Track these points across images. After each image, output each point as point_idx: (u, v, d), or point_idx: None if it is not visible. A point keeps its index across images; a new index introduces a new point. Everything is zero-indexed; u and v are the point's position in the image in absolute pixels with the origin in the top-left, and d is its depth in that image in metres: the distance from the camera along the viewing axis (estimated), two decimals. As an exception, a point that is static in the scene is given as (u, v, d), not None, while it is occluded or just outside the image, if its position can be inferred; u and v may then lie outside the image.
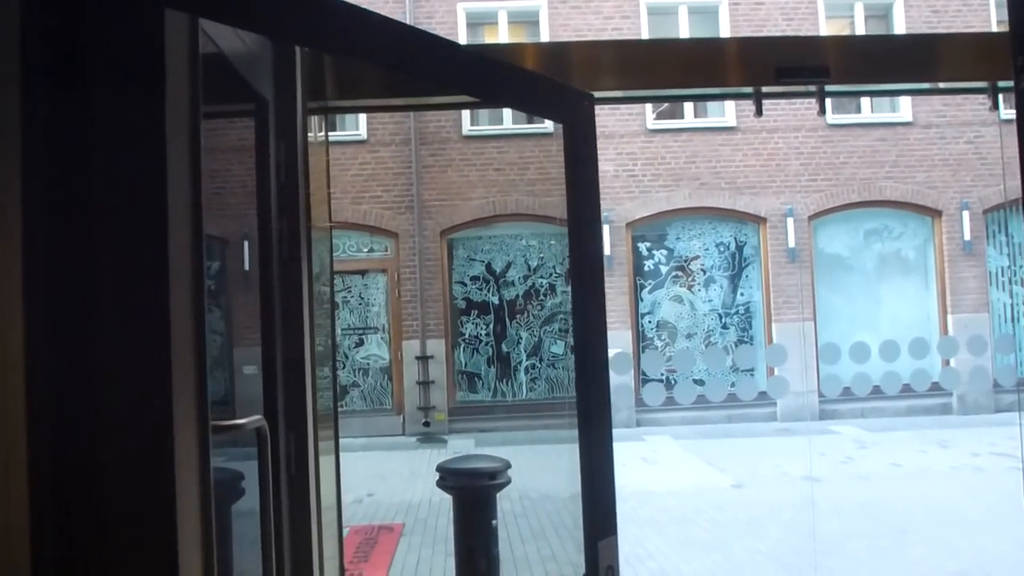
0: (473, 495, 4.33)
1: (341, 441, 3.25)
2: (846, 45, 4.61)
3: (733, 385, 10.67)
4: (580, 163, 2.57)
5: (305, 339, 2.56)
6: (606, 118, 13.03)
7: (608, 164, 13.17)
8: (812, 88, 3.73)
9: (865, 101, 13.83)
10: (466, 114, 13.41)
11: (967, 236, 13.52)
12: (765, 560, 6.23)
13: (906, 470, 9.47)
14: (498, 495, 4.46)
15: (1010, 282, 13.79)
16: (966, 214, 13.51)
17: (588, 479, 2.50)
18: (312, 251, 2.78)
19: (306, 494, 2.65)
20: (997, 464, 9.53)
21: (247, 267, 2.74)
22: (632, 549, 6.55)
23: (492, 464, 4.41)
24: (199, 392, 1.64)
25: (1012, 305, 13.76)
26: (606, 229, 13.05)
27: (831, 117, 13.55)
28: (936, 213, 13.65)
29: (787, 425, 12.21)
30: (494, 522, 4.37)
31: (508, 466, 4.41)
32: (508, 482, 4.42)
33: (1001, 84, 3.96)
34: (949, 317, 13.44)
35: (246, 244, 2.71)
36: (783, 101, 13.20)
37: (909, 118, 13.67)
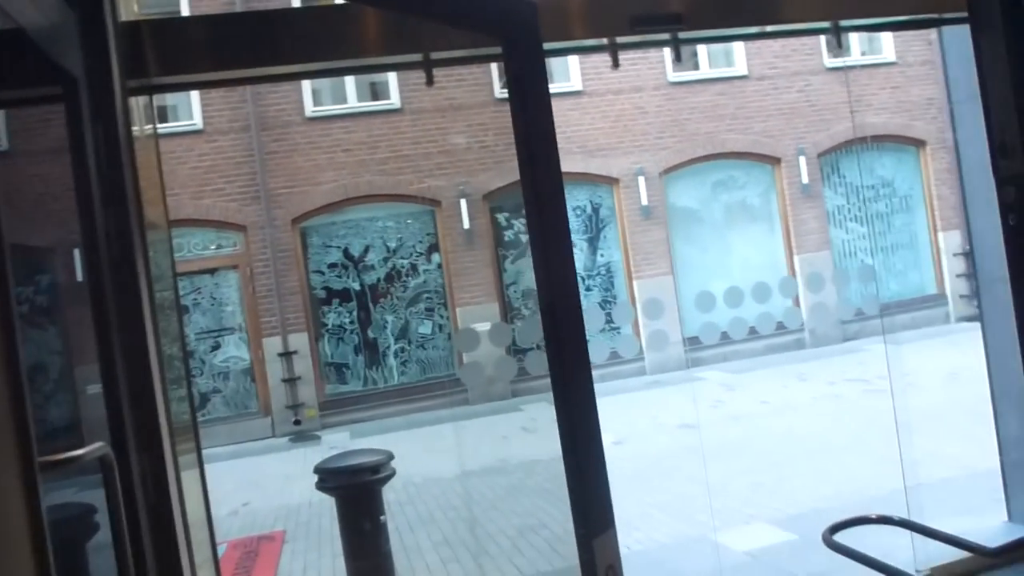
0: (357, 493, 4.09)
1: (206, 452, 2.98)
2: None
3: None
4: (527, 87, 2.28)
5: (149, 350, 2.25)
6: (453, 89, 12.82)
7: (459, 136, 12.98)
8: (666, 36, 3.65)
9: (703, 57, 14.21)
10: (308, 94, 12.87)
11: (805, 180, 14.18)
12: (655, 511, 6.29)
13: (772, 406, 9.87)
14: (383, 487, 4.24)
15: (845, 219, 14.59)
16: (802, 159, 14.16)
17: (574, 467, 2.22)
18: (148, 253, 2.46)
19: (169, 518, 2.36)
20: (852, 390, 10.08)
21: (80, 277, 2.41)
22: (524, 521, 6.49)
23: (374, 458, 4.18)
24: (19, 426, 1.35)
25: (849, 241, 14.59)
26: (463, 203, 12.90)
27: (672, 75, 13.85)
28: (776, 160, 14.23)
29: (657, 377, 12.51)
30: (382, 517, 4.15)
31: (391, 457, 4.19)
32: (392, 474, 4.20)
33: (843, 23, 4.02)
34: (795, 258, 14.10)
35: (77, 252, 2.37)
36: (627, 60, 13.39)
37: (745, 71, 14.16)
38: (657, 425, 9.50)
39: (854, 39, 14.24)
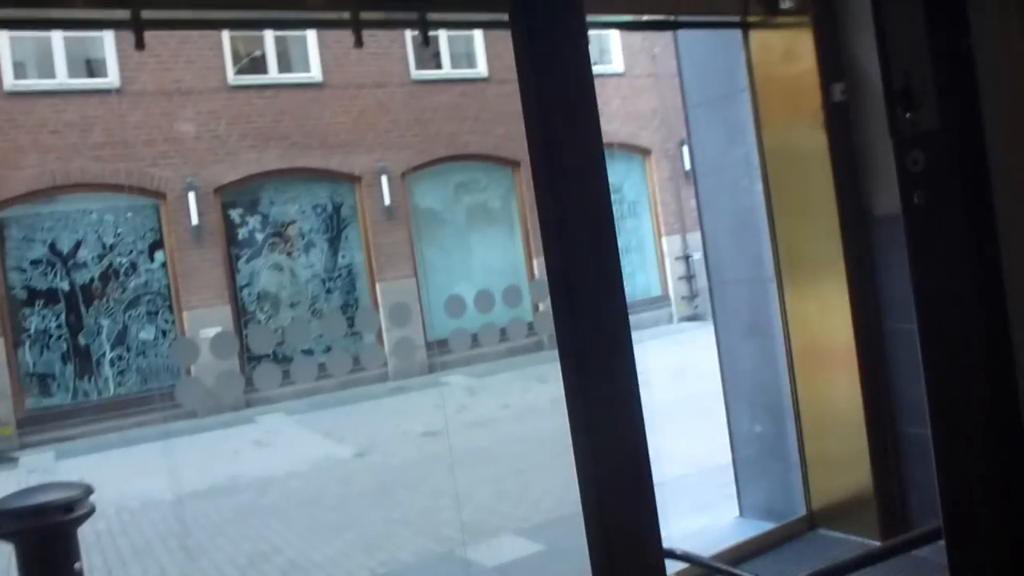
0: (44, 538, 3.38)
1: None
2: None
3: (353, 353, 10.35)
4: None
5: None
6: (181, 72, 11.74)
7: (188, 124, 11.91)
8: (414, 16, 3.34)
9: (445, 58, 14.16)
10: (7, 65, 11.21)
11: (542, 185, 14.56)
12: (401, 528, 5.98)
13: (515, 409, 9.93)
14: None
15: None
16: (540, 164, 14.53)
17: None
18: None
19: None
20: (589, 391, 10.38)
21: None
22: (256, 547, 5.91)
23: (67, 493, 3.47)
24: None
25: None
26: (191, 196, 11.86)
27: (415, 73, 13.65)
28: (515, 164, 14.49)
29: (400, 383, 12.22)
30: (77, 565, 3.46)
31: (88, 492, 3.51)
32: (91, 511, 3.52)
33: (591, 18, 3.93)
34: (534, 260, 14.45)
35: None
36: (370, 55, 13.00)
37: (486, 73, 14.28)
38: (401, 434, 9.20)
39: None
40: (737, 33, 3.98)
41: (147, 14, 2.92)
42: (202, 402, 9.92)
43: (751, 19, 3.87)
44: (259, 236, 12.68)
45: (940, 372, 1.62)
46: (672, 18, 4.08)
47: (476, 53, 14.37)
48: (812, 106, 3.68)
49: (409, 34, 12.25)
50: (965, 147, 1.56)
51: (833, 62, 3.61)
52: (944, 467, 1.62)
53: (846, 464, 4.01)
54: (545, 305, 9.09)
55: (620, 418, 1.96)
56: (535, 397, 10.56)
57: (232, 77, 12.42)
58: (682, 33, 4.52)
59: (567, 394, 1.97)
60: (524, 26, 1.93)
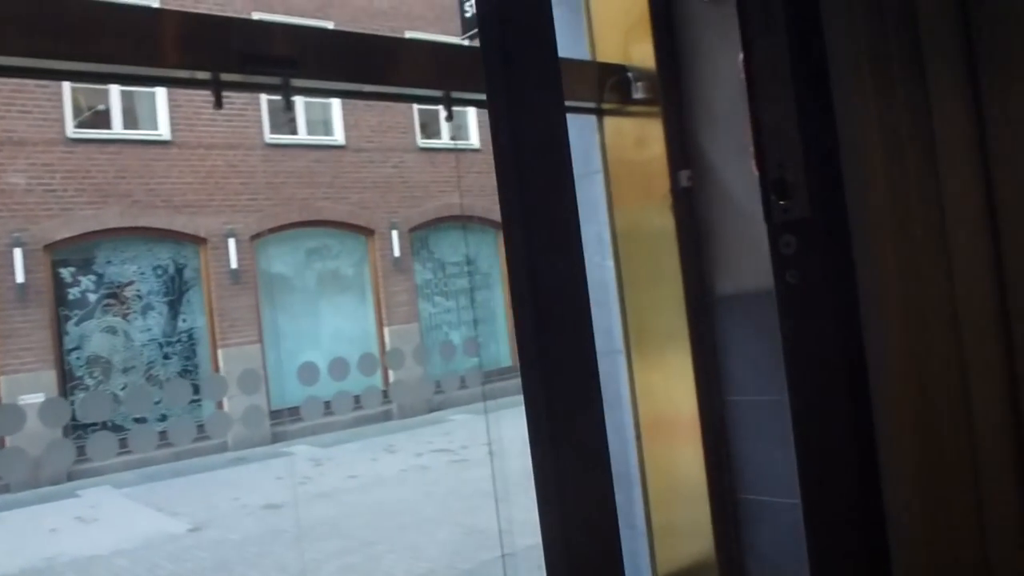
0: None
1: None
2: (315, 36, 4.34)
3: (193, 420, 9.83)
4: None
5: None
6: (15, 121, 11.08)
7: (19, 176, 11.20)
8: (277, 81, 3.33)
9: (301, 123, 14.08)
10: None
11: (397, 253, 14.59)
12: (237, 609, 5.66)
13: (362, 480, 9.69)
14: None
15: (433, 293, 15.27)
16: (395, 233, 14.57)
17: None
18: None
19: None
20: (438, 460, 10.31)
21: None
22: (75, 634, 5.43)
23: None
24: None
25: (436, 314, 15.25)
26: (18, 253, 11.09)
27: (270, 137, 13.48)
28: (370, 232, 14.46)
29: (240, 453, 11.70)
30: None
31: None
32: None
33: (455, 95, 4.04)
34: (385, 328, 14.34)
35: None
36: (223, 116, 12.75)
37: (342, 141, 14.28)
38: (240, 507, 8.76)
39: (445, 126, 15.17)
40: (592, 118, 4.19)
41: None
42: (26, 475, 9.13)
43: (605, 106, 4.09)
44: (92, 297, 11.97)
45: (810, 441, 1.75)
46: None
47: (333, 120, 14.37)
48: (661, 190, 3.90)
49: (265, 97, 12.13)
50: (832, 232, 1.74)
51: (681, 150, 3.86)
52: (813, 532, 1.73)
53: (690, 531, 4.15)
54: (397, 375, 9.05)
55: (588, 467, 2.02)
56: (383, 467, 10.37)
57: (72, 130, 11.84)
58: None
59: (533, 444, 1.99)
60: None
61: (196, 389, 11.67)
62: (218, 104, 3.23)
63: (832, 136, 1.82)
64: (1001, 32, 2.21)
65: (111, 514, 9.14)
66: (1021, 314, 2.03)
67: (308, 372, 4.48)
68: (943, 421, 1.95)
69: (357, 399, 4.91)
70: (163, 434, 4.32)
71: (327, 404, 4.84)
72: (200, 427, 9.78)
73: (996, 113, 2.26)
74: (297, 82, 3.47)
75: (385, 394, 6.74)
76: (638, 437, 4.38)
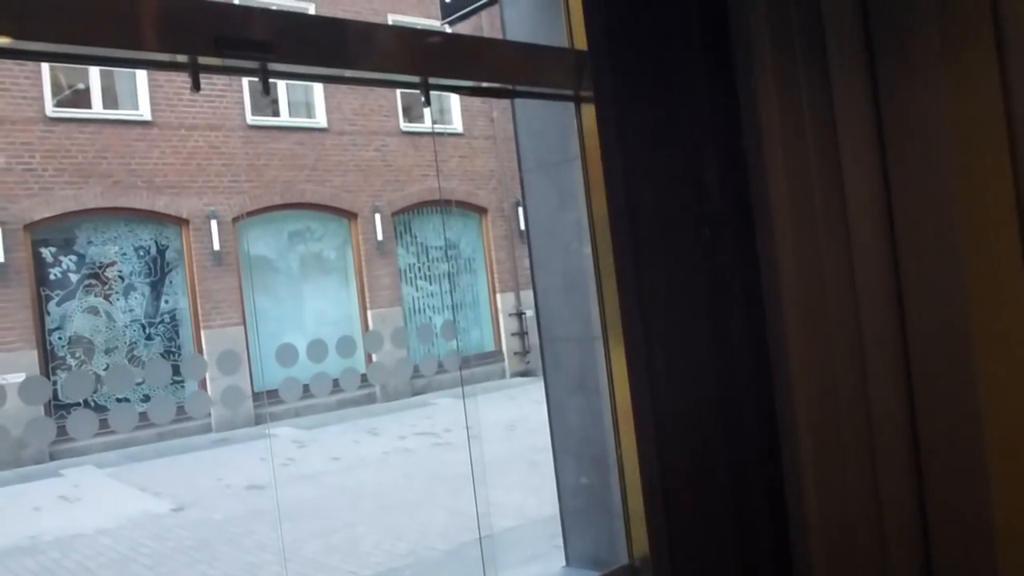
0: None
1: None
2: (292, 21, 4.35)
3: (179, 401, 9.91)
4: None
5: None
6: (-9, 100, 11.01)
7: (-3, 155, 11.14)
8: (255, 65, 3.36)
9: (284, 104, 14.02)
10: None
11: (380, 237, 14.59)
12: (218, 587, 5.73)
13: (345, 462, 9.76)
14: None
15: (416, 277, 15.29)
16: (378, 216, 14.57)
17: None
18: None
19: None
20: (421, 443, 10.39)
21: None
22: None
23: None
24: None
25: (419, 298, 15.29)
26: (-2, 232, 11.05)
27: (252, 118, 13.42)
28: (352, 215, 14.45)
29: (224, 435, 11.74)
30: None
31: None
32: None
33: (432, 80, 4.08)
34: (368, 312, 14.36)
35: None
36: (204, 98, 12.68)
37: (324, 124, 14.23)
38: (223, 487, 8.81)
39: (427, 109, 15.14)
40: (570, 105, 4.24)
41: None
42: (8, 452, 9.15)
43: (583, 93, 4.14)
44: (74, 277, 11.93)
45: (717, 427, 1.83)
46: (510, 87, 4.29)
47: (315, 103, 14.32)
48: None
49: (246, 79, 12.08)
50: (739, 224, 1.84)
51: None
52: (717, 517, 1.81)
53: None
54: (380, 356, 9.12)
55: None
56: (366, 449, 10.43)
57: (51, 109, 11.75)
58: (519, 101, 4.75)
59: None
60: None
61: (176, 370, 11.70)
62: (196, 87, 3.27)
63: (740, 139, 1.92)
64: (899, 22, 2.28)
65: (94, 493, 9.17)
66: (917, 301, 2.09)
67: (287, 354, 4.53)
68: (841, 405, 2.02)
69: (336, 382, 4.96)
70: (144, 415, 4.37)
71: (306, 387, 4.89)
72: (180, 408, 9.81)
73: (893, 106, 2.33)
74: (274, 66, 3.50)
75: (364, 377, 6.77)
76: (615, 423, 4.46)
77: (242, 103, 13.26)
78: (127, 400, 8.57)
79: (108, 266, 12.26)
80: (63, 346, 11.71)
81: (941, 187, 2.23)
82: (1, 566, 6.52)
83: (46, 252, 11.74)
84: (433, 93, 4.11)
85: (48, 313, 11.64)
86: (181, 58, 3.23)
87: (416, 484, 8.27)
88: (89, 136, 12.02)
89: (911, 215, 2.12)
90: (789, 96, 1.99)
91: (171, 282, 12.78)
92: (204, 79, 3.37)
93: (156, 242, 12.70)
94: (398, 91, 14.16)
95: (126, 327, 12.31)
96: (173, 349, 12.63)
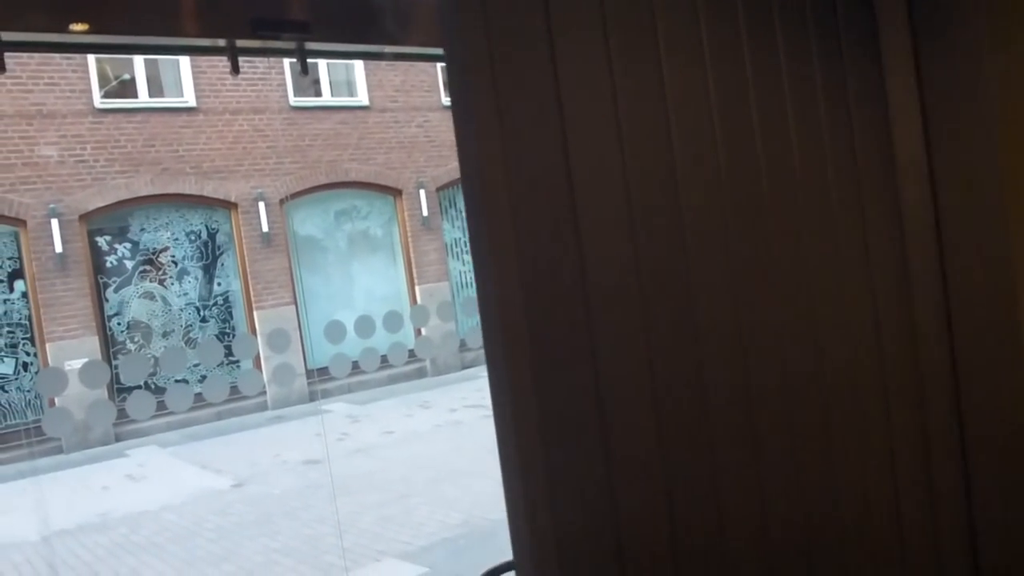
0: None
1: None
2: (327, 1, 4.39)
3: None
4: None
5: None
6: (43, 94, 11.27)
7: (51, 148, 11.42)
8: (292, 46, 3.41)
9: (325, 84, 14.12)
10: None
11: (425, 213, 14.67)
12: (281, 557, 5.90)
13: (397, 435, 9.92)
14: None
15: (463, 252, 15.36)
16: (423, 192, 14.64)
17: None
18: None
19: None
20: (472, 415, 10.50)
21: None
22: (128, 584, 5.71)
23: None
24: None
25: (465, 272, 15.37)
26: (55, 224, 11.36)
27: (294, 99, 13.55)
28: (397, 192, 14.54)
29: (280, 412, 12.00)
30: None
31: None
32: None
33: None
34: (417, 287, 14.48)
35: None
36: (246, 81, 12.84)
37: (367, 102, 14.30)
38: (281, 463, 9.04)
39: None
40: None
41: (7, 36, 2.88)
42: (72, 433, 9.47)
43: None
44: (129, 264, 12.24)
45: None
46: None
47: (356, 81, 14.39)
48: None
49: (288, 61, 12.19)
50: None
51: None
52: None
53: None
54: (427, 330, 9.22)
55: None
56: (418, 423, 10.59)
57: (99, 100, 12.01)
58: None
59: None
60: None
61: (230, 350, 11.96)
62: (235, 70, 3.33)
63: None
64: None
65: (158, 472, 9.48)
66: (747, 286, 2.05)
67: (335, 330, 4.61)
68: (675, 392, 2.00)
69: (384, 357, 5.02)
70: (199, 395, 4.49)
71: (355, 363, 4.96)
72: (234, 387, 10.02)
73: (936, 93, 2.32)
74: (312, 45, 3.55)
75: (412, 352, 6.84)
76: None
77: (284, 85, 13.39)
78: (184, 381, 8.83)
79: (161, 251, 12.55)
80: (122, 331, 12.05)
81: (989, 176, 2.23)
82: (76, 542, 6.79)
83: (101, 241, 12.05)
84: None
85: (106, 300, 11.98)
86: (220, 42, 3.29)
87: (467, 455, 8.37)
88: (137, 125, 12.27)
89: (736, 186, 2.11)
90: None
91: (223, 265, 13.03)
92: (246, 63, 3.43)
93: (207, 226, 12.95)
94: (438, 65, 14.16)
95: (181, 310, 12.61)
96: (227, 330, 12.90)
